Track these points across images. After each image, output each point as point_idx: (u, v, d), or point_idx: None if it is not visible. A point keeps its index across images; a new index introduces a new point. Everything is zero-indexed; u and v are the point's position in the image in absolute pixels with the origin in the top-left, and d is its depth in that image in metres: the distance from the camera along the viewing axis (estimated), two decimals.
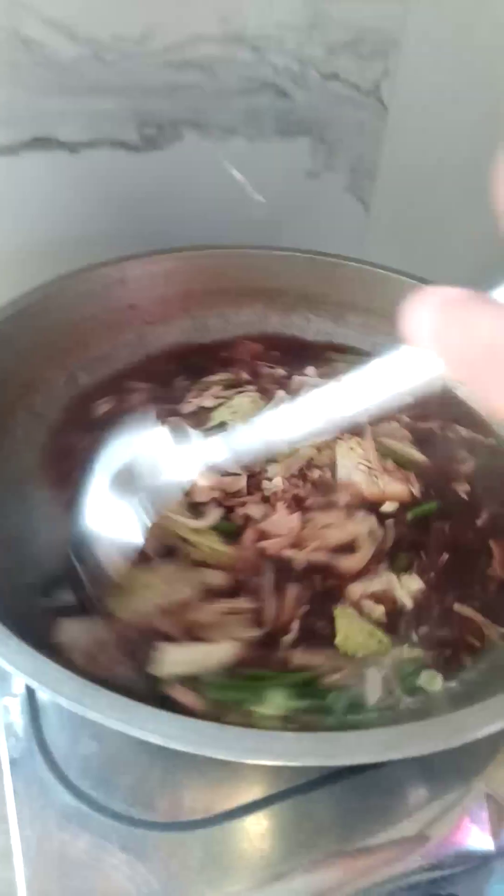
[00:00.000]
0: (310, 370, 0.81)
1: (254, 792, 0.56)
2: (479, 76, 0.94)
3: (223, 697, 0.50)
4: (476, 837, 0.57)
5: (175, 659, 0.51)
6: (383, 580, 0.59)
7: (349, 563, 0.60)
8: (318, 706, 0.51)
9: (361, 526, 0.63)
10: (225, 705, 0.50)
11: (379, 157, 0.98)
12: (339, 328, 0.87)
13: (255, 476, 0.66)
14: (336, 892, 0.54)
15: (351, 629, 0.55)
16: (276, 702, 0.51)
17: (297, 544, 0.61)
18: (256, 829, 0.55)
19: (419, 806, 0.58)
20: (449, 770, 0.60)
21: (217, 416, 0.72)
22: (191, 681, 0.50)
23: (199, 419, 0.72)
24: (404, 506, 0.66)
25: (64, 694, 0.41)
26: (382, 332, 0.85)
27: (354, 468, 0.67)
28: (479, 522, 0.67)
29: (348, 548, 0.61)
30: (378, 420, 0.72)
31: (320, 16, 0.83)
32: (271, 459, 0.66)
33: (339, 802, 0.57)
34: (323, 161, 0.96)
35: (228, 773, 0.57)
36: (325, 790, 0.57)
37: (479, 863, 0.57)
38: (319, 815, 0.57)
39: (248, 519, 0.62)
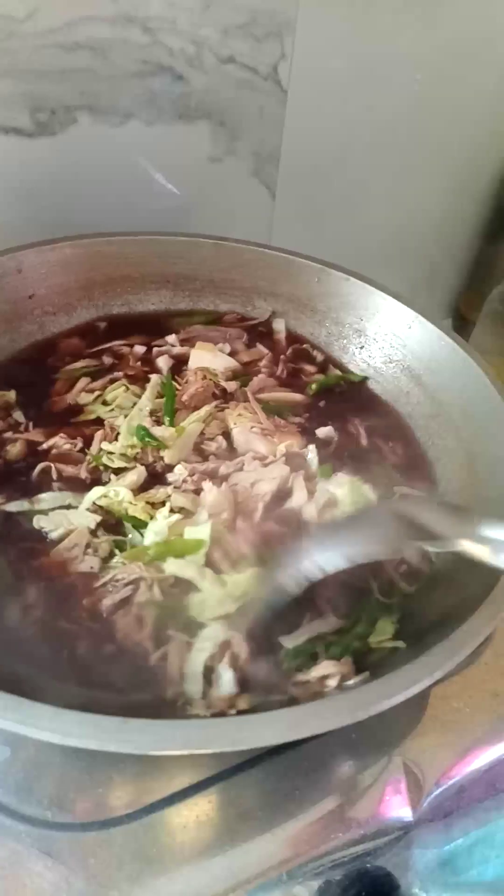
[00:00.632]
0: (170, 338, 0.82)
1: (174, 784, 0.55)
2: (377, 56, 0.94)
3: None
4: (396, 808, 0.58)
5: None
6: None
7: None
8: None
9: (281, 469, 0.65)
10: None
11: (281, 141, 0.98)
12: (248, 313, 0.87)
13: (152, 466, 0.66)
14: (261, 876, 0.54)
15: None
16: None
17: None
18: (178, 821, 0.55)
19: (341, 783, 0.59)
20: (369, 745, 0.60)
21: (93, 411, 0.73)
22: None
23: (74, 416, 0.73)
24: None
25: None
26: (290, 317, 0.85)
27: (248, 432, 0.69)
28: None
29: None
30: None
31: None
32: (161, 445, 0.67)
33: (260, 786, 0.57)
34: (225, 146, 0.95)
35: (148, 767, 0.56)
36: (245, 775, 0.56)
37: (400, 833, 0.58)
38: (242, 800, 0.56)
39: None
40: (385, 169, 1.05)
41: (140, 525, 0.61)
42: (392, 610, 0.58)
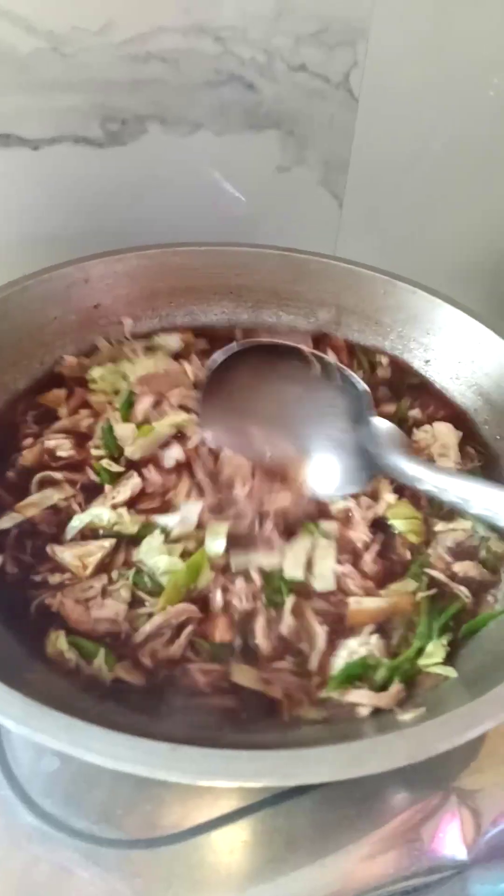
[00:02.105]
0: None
1: (223, 806, 0.55)
2: (451, 65, 0.92)
3: None
4: (451, 846, 0.56)
5: None
6: None
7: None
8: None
9: None
10: None
11: (350, 150, 0.96)
12: (311, 324, 0.86)
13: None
14: None
15: None
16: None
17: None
18: (225, 844, 0.54)
19: (393, 816, 0.57)
20: (423, 779, 0.58)
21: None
22: None
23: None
24: None
25: (9, 716, 0.39)
26: (354, 329, 0.84)
27: None
28: None
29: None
30: None
31: (285, 5, 0.81)
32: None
33: (310, 814, 0.56)
34: (293, 155, 0.94)
35: (196, 787, 0.56)
36: (295, 802, 0.55)
37: (454, 871, 0.55)
38: (290, 827, 0.55)
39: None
40: (458, 179, 1.02)
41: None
42: (444, 630, 0.57)
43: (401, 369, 0.82)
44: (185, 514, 0.61)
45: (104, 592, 0.57)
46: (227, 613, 0.56)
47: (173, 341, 0.82)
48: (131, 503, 0.63)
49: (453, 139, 0.99)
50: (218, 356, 0.75)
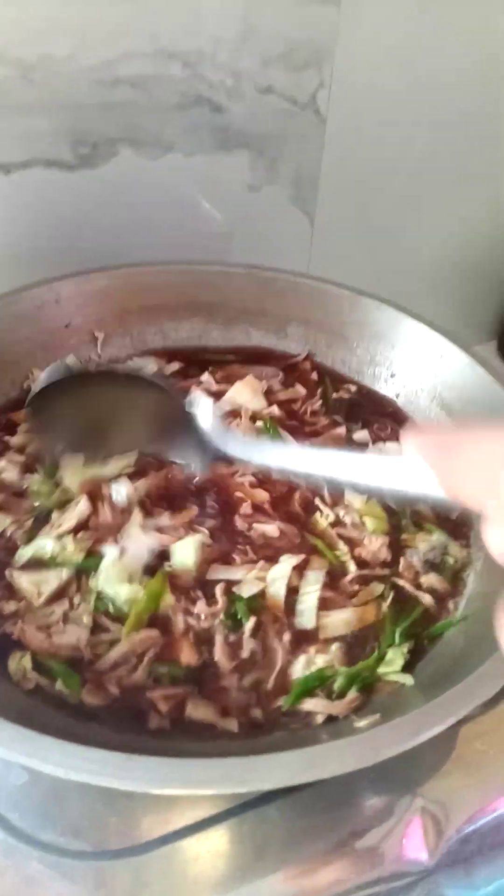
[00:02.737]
0: (204, 376, 0.82)
1: (189, 816, 0.55)
2: (417, 83, 0.94)
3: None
4: (415, 851, 0.57)
5: None
6: None
7: None
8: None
9: None
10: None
11: (320, 168, 0.98)
12: (280, 340, 0.87)
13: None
14: None
15: None
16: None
17: None
18: (191, 854, 0.55)
19: (360, 822, 0.58)
20: (391, 785, 0.59)
21: None
22: None
23: None
24: None
25: None
26: (322, 344, 0.85)
27: None
28: None
29: None
30: None
31: (251, 28, 0.82)
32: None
33: (276, 822, 0.56)
34: (264, 174, 0.96)
35: (163, 798, 0.57)
36: (261, 811, 0.56)
37: (417, 877, 0.56)
38: (256, 836, 0.56)
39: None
40: (428, 193, 1.04)
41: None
42: (406, 636, 0.58)
43: (369, 396, 0.83)
44: (134, 547, 0.61)
45: (65, 618, 0.57)
46: (188, 635, 0.56)
47: (149, 365, 0.84)
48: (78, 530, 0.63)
49: (422, 155, 1.01)
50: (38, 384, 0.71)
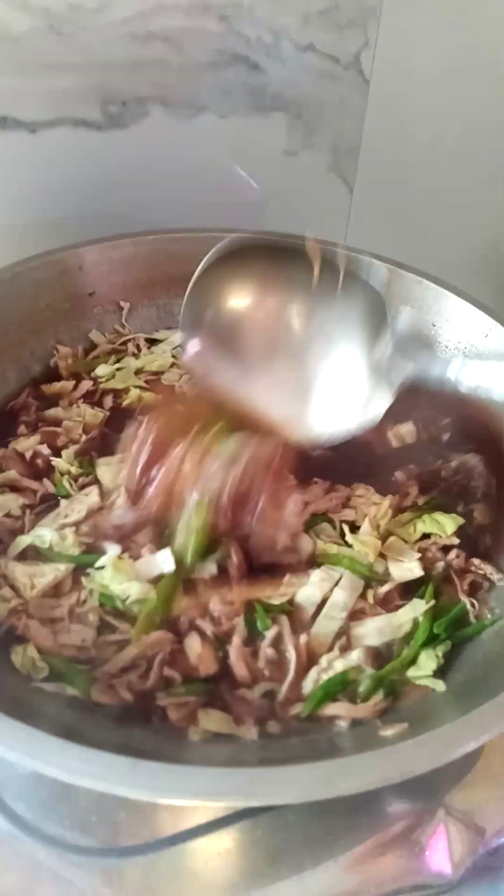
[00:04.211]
0: None
1: (201, 816, 0.53)
2: (465, 46, 0.88)
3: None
4: (438, 863, 0.54)
5: None
6: None
7: None
8: None
9: None
10: None
11: (361, 134, 0.93)
12: None
13: None
14: None
15: None
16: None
17: None
18: (201, 856, 0.52)
19: (380, 830, 0.55)
20: (413, 793, 0.56)
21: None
22: None
23: None
24: None
25: None
26: None
27: None
28: None
29: None
30: None
31: None
32: None
33: (291, 827, 0.54)
34: (301, 139, 0.91)
35: None
36: (277, 814, 0.53)
37: (439, 890, 0.53)
38: (271, 840, 0.53)
39: None
40: (474, 166, 0.98)
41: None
42: (440, 641, 0.54)
43: None
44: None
45: (71, 614, 0.54)
46: (206, 643, 0.52)
47: (176, 336, 0.80)
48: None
49: (468, 124, 0.96)
50: (211, 255, 0.66)
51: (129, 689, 0.49)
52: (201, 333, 0.63)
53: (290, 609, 0.55)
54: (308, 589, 0.55)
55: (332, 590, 0.55)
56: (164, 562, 0.55)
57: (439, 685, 0.50)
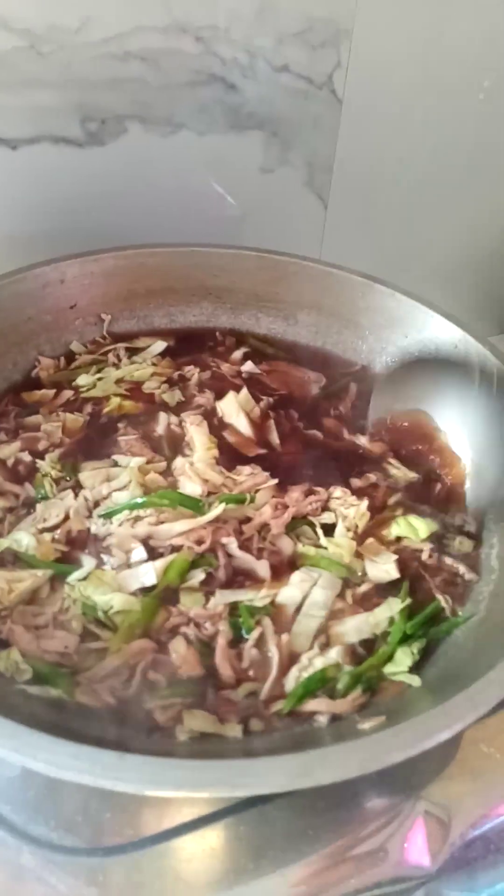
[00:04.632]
0: (247, 365, 0.81)
1: (184, 814, 0.54)
2: (438, 66, 0.91)
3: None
4: (416, 855, 0.55)
5: None
6: None
7: None
8: None
9: None
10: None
11: (335, 151, 0.95)
12: (290, 327, 0.85)
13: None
14: None
15: None
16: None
17: None
18: (186, 853, 0.53)
19: (360, 825, 0.56)
20: (392, 788, 0.57)
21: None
22: None
23: None
24: None
25: None
26: (333, 331, 0.83)
27: None
28: None
29: None
30: None
31: (267, 4, 0.80)
32: None
33: (273, 823, 0.55)
34: (277, 156, 0.93)
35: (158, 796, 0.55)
36: (258, 810, 0.54)
37: (419, 881, 0.55)
38: (254, 836, 0.54)
39: None
40: (444, 181, 1.01)
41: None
42: (415, 638, 0.56)
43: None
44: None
45: (55, 621, 0.55)
46: (190, 646, 0.54)
47: (157, 346, 0.82)
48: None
49: (440, 141, 0.98)
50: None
51: (112, 695, 0.51)
52: None
53: (273, 610, 0.56)
54: (289, 590, 0.57)
55: (311, 589, 0.56)
56: (145, 574, 0.56)
57: (415, 680, 0.52)
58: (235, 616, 0.56)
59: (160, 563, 0.57)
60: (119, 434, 0.70)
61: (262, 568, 0.59)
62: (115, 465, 0.66)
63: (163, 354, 0.82)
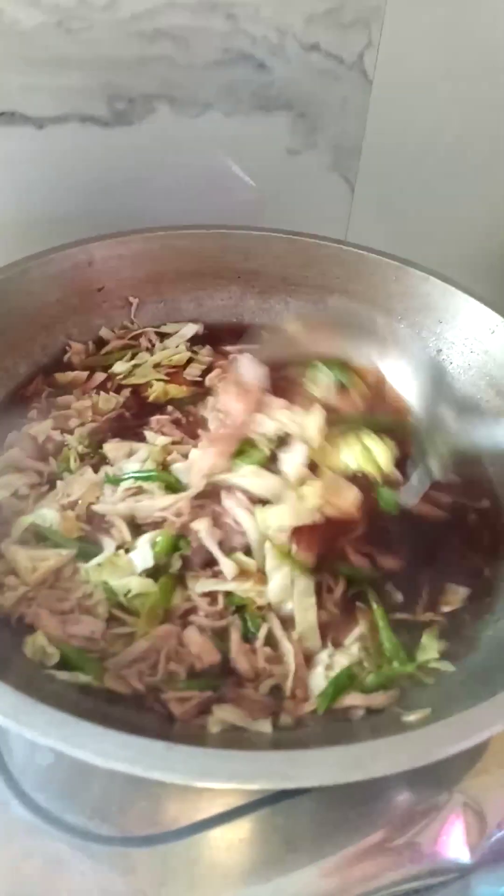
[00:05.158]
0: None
1: (221, 803, 0.53)
2: (468, 46, 0.89)
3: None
4: (454, 848, 0.55)
5: None
6: None
7: None
8: None
9: None
10: None
11: (363, 133, 0.94)
12: (320, 311, 0.83)
13: None
14: None
15: None
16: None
17: None
18: (223, 843, 0.52)
19: (395, 817, 0.55)
20: (426, 780, 0.57)
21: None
22: None
23: None
24: None
25: None
26: (364, 317, 0.81)
27: None
28: None
29: None
30: None
31: None
32: None
33: (311, 814, 0.54)
34: (304, 138, 0.92)
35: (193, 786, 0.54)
36: (295, 801, 0.53)
37: (456, 875, 0.54)
38: (290, 827, 0.54)
39: None
40: (473, 165, 0.99)
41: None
42: (432, 624, 0.55)
43: None
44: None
45: (80, 606, 0.54)
46: (204, 635, 0.53)
47: (187, 329, 0.81)
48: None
49: (469, 124, 0.97)
50: None
51: (140, 681, 0.50)
52: None
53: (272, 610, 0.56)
54: (274, 586, 0.56)
55: (293, 582, 0.56)
56: (143, 559, 0.56)
57: (448, 666, 0.51)
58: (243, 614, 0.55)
59: (145, 539, 0.57)
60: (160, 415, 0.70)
61: (228, 567, 0.56)
62: (143, 441, 0.66)
63: (201, 342, 0.81)
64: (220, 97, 0.84)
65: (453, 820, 0.56)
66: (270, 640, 0.53)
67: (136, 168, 0.84)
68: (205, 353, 0.79)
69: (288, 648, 0.53)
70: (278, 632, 0.54)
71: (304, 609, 0.55)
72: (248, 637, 0.53)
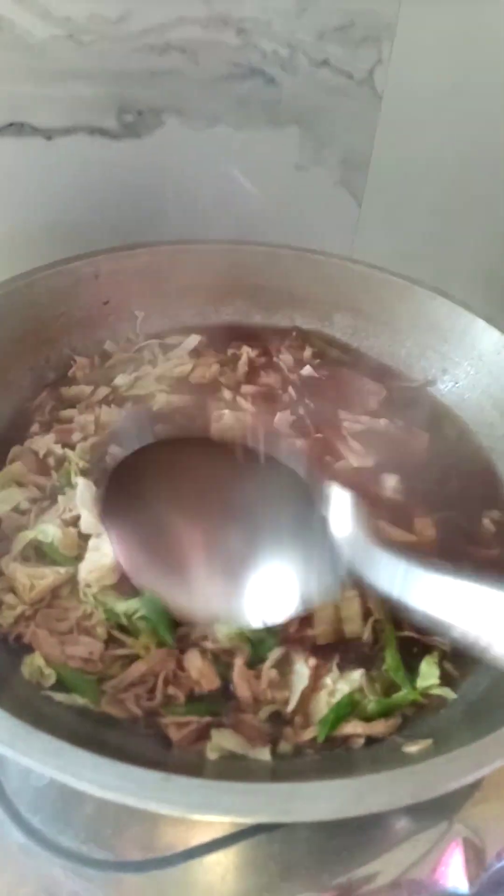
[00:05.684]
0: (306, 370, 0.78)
1: (216, 829, 0.52)
2: (479, 65, 0.89)
3: None
4: (452, 879, 0.54)
5: None
6: None
7: None
8: None
9: None
10: None
11: (371, 149, 0.94)
12: (325, 328, 0.83)
13: None
14: None
15: None
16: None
17: None
18: (218, 869, 0.52)
19: (393, 846, 0.54)
20: (425, 809, 0.56)
21: None
22: None
23: None
24: None
25: None
26: (370, 334, 0.81)
27: None
28: None
29: None
30: None
31: None
32: None
33: (307, 842, 0.53)
34: (312, 153, 0.92)
35: None
36: (291, 829, 0.53)
37: None
38: (286, 855, 0.53)
39: None
40: (481, 183, 0.99)
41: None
42: (431, 648, 0.54)
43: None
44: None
45: (79, 627, 0.53)
46: (205, 659, 0.52)
47: (189, 341, 0.80)
48: None
49: (478, 141, 0.96)
50: (117, 452, 0.60)
51: (137, 705, 0.49)
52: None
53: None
54: None
55: None
56: None
57: (449, 693, 0.50)
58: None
59: None
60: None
61: None
62: None
63: (200, 350, 0.80)
64: (229, 111, 0.84)
65: (452, 850, 0.55)
66: (281, 663, 0.52)
67: (144, 181, 0.84)
68: (209, 356, 0.79)
69: (303, 672, 0.51)
70: (296, 656, 0.52)
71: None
72: (253, 663, 0.52)
